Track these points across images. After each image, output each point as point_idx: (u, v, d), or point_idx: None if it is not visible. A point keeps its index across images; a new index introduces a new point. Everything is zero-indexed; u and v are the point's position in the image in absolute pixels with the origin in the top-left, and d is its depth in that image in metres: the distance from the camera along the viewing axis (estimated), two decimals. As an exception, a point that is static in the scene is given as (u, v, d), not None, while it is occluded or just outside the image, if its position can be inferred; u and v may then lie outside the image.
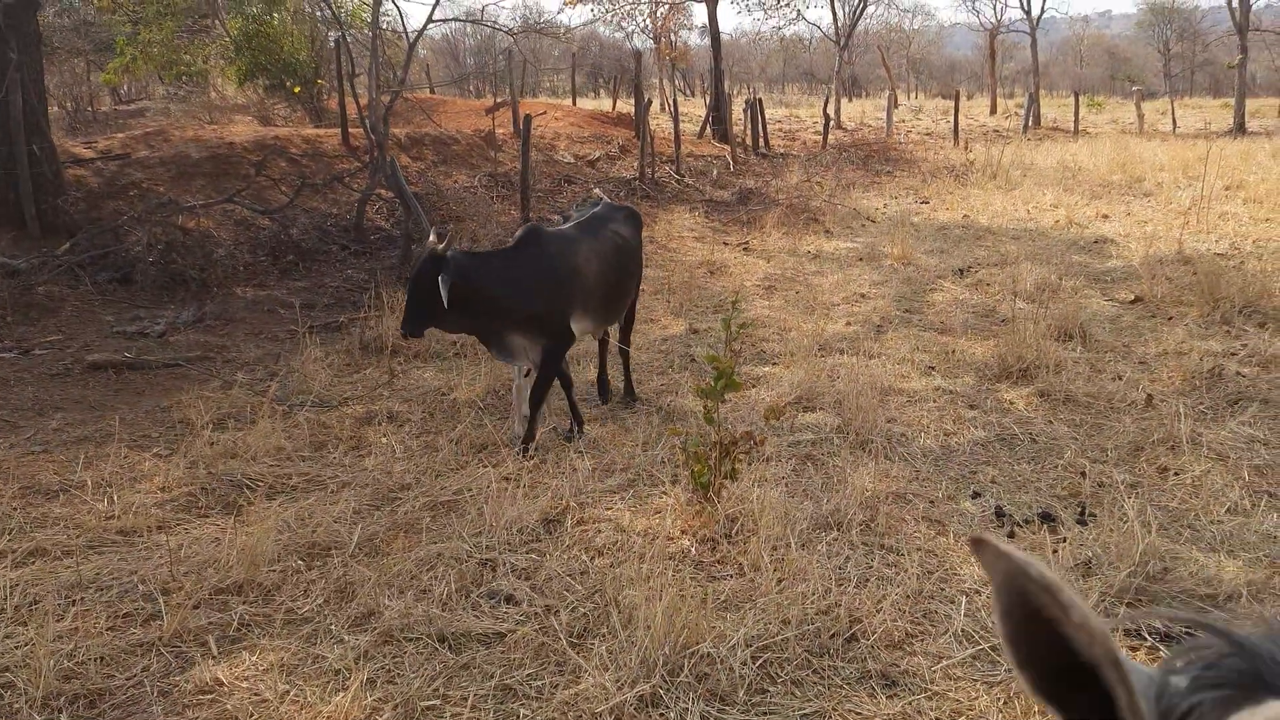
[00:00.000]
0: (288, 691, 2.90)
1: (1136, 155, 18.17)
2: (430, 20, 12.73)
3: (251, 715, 2.76)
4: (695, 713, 2.83)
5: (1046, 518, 4.29)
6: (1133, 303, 8.09)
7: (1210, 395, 5.76)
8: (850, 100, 38.81)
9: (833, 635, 3.26)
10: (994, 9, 39.97)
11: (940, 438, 5.33)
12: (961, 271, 9.66)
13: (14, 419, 5.65)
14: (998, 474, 4.85)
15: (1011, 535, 4.12)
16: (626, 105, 24.27)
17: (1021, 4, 34.94)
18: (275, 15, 16.46)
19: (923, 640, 3.30)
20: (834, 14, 31.06)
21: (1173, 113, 28.11)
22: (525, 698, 2.95)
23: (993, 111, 33.63)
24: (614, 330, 6.10)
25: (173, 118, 17.85)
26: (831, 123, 23.46)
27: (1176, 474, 4.68)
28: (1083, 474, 4.72)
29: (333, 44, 16.85)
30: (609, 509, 4.37)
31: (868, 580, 3.65)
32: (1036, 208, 13.48)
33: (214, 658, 3.09)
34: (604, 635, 3.22)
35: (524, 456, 4.95)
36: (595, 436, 5.38)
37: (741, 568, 3.75)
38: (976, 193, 14.87)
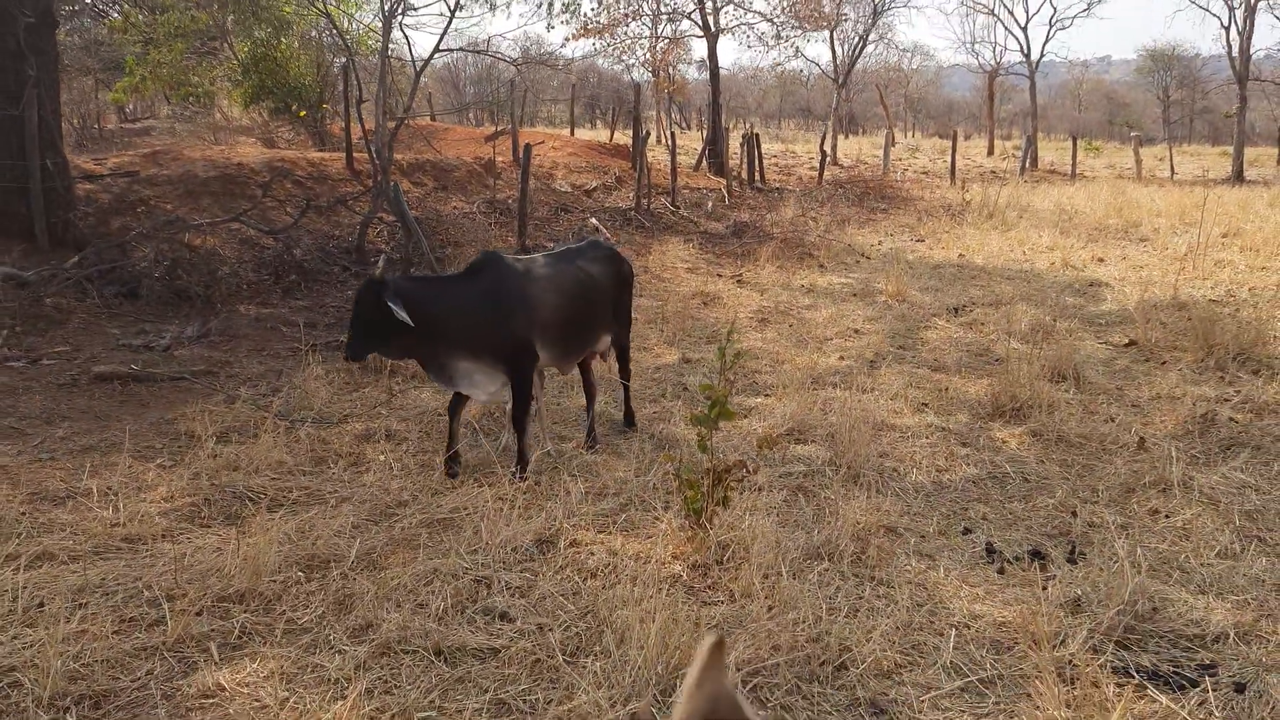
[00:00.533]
0: (287, 698, 2.97)
1: (1134, 200, 18.39)
2: (437, 49, 12.93)
3: (252, 720, 2.83)
4: (686, 731, 2.89)
5: (1037, 555, 4.36)
6: (1127, 346, 8.20)
7: (1203, 440, 5.84)
8: (847, 137, 39.28)
9: (823, 663, 3.32)
10: (993, 51, 40.57)
11: (932, 474, 5.41)
12: (956, 310, 9.77)
13: (22, 427, 5.73)
14: (989, 511, 4.92)
15: (1001, 571, 4.19)
16: (624, 137, 24.55)
17: (1021, 47, 35.48)
18: (283, 40, 16.68)
19: (911, 670, 3.36)
20: (833, 52, 31.52)
21: (1171, 159, 28.38)
22: (519, 712, 3.01)
23: (990, 152, 34.02)
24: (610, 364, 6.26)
25: (178, 137, 18.04)
26: (828, 159, 23.72)
27: (1167, 516, 4.75)
28: (1074, 513, 4.81)
29: (338, 70, 17.09)
30: (602, 532, 4.43)
31: (858, 611, 3.72)
32: (1032, 249, 13.63)
33: (216, 663, 3.16)
34: (597, 654, 3.28)
35: (519, 479, 5.02)
36: (588, 461, 5.45)
37: (732, 594, 3.81)
38: (972, 232, 15.04)
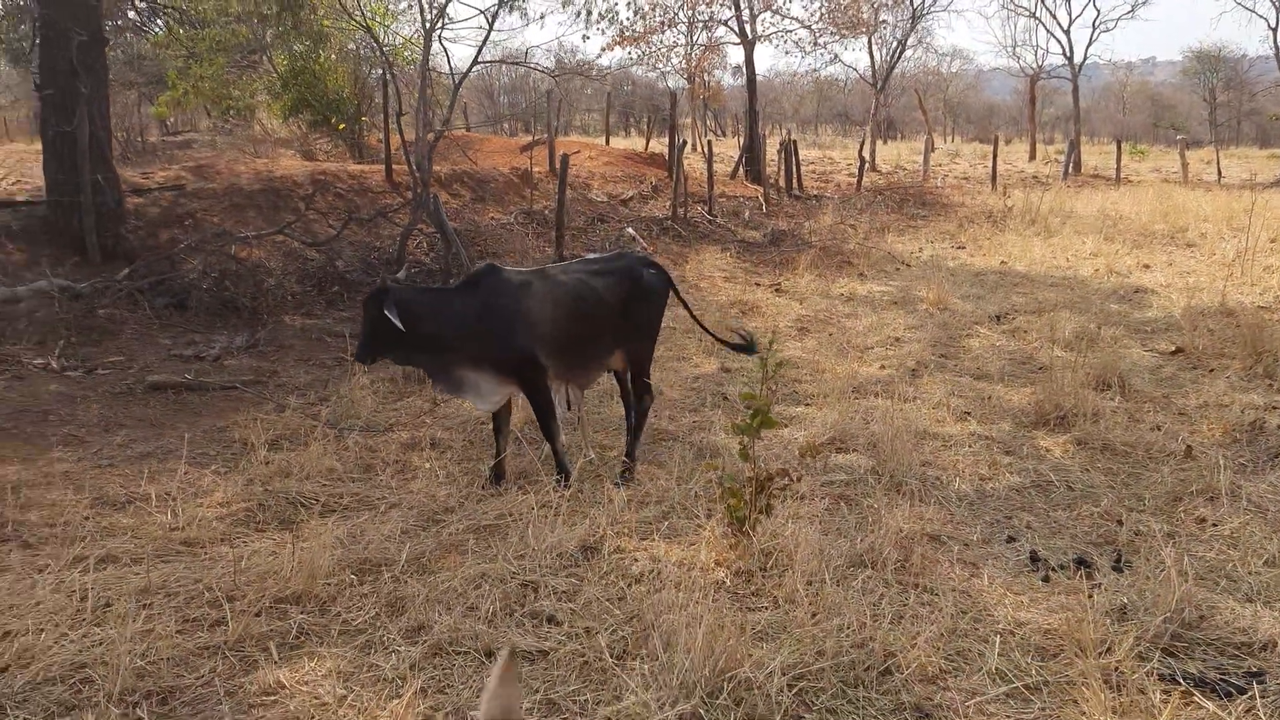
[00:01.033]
0: (345, 696, 3.06)
1: (1180, 205, 18.12)
2: (476, 61, 13.08)
3: (313, 717, 2.92)
4: (733, 733, 2.95)
5: (1082, 563, 4.34)
6: (1173, 354, 8.12)
7: (1251, 448, 5.78)
8: (885, 143, 39.03)
9: (867, 668, 3.35)
10: (1035, 54, 40.10)
11: (975, 482, 5.40)
12: (998, 318, 9.73)
13: (81, 434, 5.91)
14: (1033, 520, 4.91)
15: (1046, 579, 4.19)
16: (659, 145, 24.64)
17: (1063, 50, 35.10)
18: (321, 53, 16.95)
19: (956, 676, 3.38)
20: (871, 57, 31.37)
21: (1218, 162, 27.91)
22: (569, 711, 3.08)
23: (1032, 157, 33.67)
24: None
25: (219, 150, 18.39)
26: (866, 165, 23.64)
27: (1215, 525, 4.71)
28: (1119, 522, 4.79)
29: (376, 82, 17.32)
30: (645, 539, 4.49)
31: (902, 617, 3.74)
32: (1076, 256, 13.51)
33: (276, 662, 3.26)
34: (644, 657, 3.34)
35: (563, 487, 5.08)
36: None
37: (776, 600, 3.85)
38: (1014, 239, 14.93)
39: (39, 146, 17.44)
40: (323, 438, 5.69)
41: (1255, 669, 3.42)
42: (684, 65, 26.96)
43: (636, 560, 4.24)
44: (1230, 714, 3.11)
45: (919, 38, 35.00)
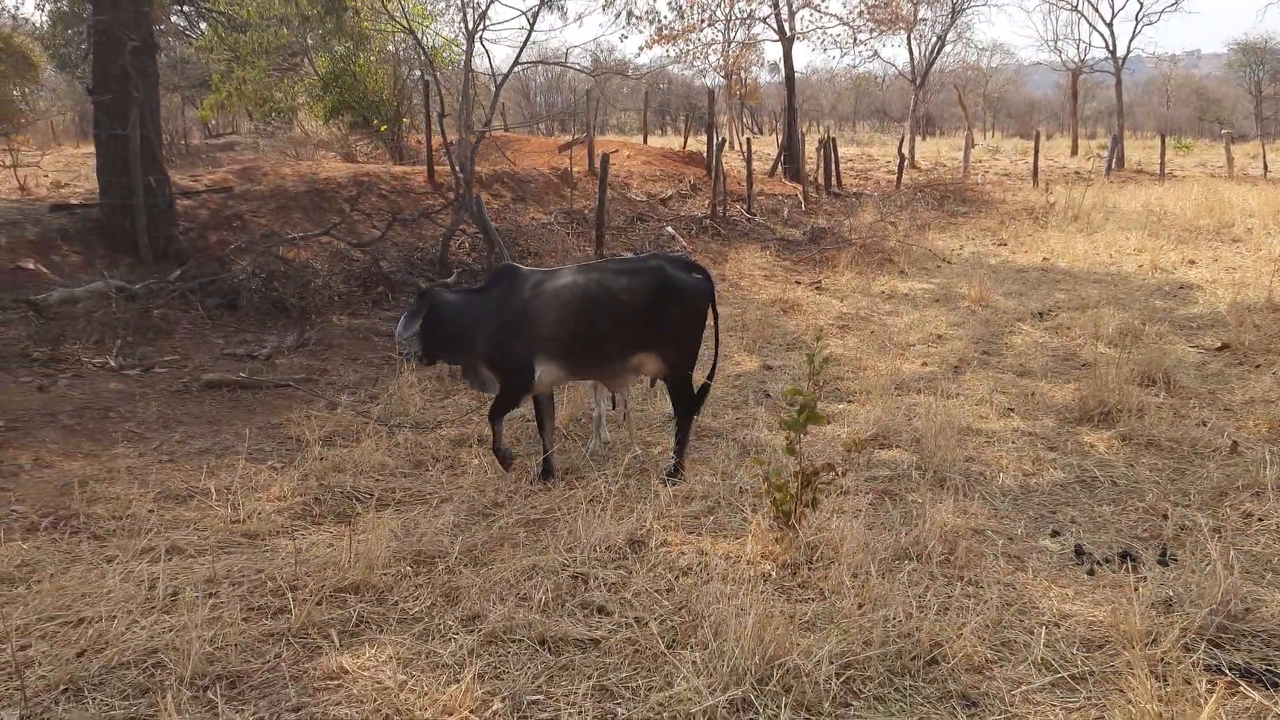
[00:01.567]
0: (406, 681, 3.17)
1: (1225, 200, 17.84)
2: (517, 62, 13.21)
3: (375, 700, 3.03)
4: (784, 719, 3.01)
5: (1127, 557, 4.36)
6: (1219, 349, 8.04)
7: (1298, 444, 5.74)
8: (924, 139, 38.75)
9: (914, 657, 3.40)
10: (1077, 48, 39.48)
11: (1019, 477, 5.42)
12: (1041, 314, 9.68)
13: (141, 431, 6.10)
14: (1077, 514, 4.93)
15: (1091, 572, 4.21)
16: (696, 143, 24.68)
17: (1106, 43, 34.58)
18: (361, 55, 17.18)
19: (1002, 666, 3.42)
20: (910, 53, 31.15)
21: (1264, 156, 27.42)
22: (622, 698, 3.16)
23: (1074, 152, 33.24)
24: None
25: (261, 152, 18.72)
26: (905, 162, 23.51)
27: (1261, 520, 4.70)
28: (1164, 516, 4.79)
29: (414, 84, 17.49)
30: (691, 533, 4.56)
31: (947, 608, 3.78)
32: (1120, 252, 13.38)
33: (338, 648, 3.38)
34: (693, 645, 3.42)
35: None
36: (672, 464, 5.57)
37: (822, 592, 3.91)
38: (1056, 235, 14.81)
39: (86, 150, 17.95)
40: (374, 434, 5.85)
41: (1303, 661, 3.43)
42: (721, 63, 26.98)
43: (683, 553, 4.32)
44: (1276, 704, 3.12)
45: (958, 33, 34.70)
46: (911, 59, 31.21)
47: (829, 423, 6.20)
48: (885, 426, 6.08)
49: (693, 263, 5.57)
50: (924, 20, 30.56)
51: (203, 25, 15.74)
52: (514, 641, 3.48)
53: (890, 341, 8.67)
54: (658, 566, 4.15)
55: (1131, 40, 59.93)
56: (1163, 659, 3.35)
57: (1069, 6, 35.43)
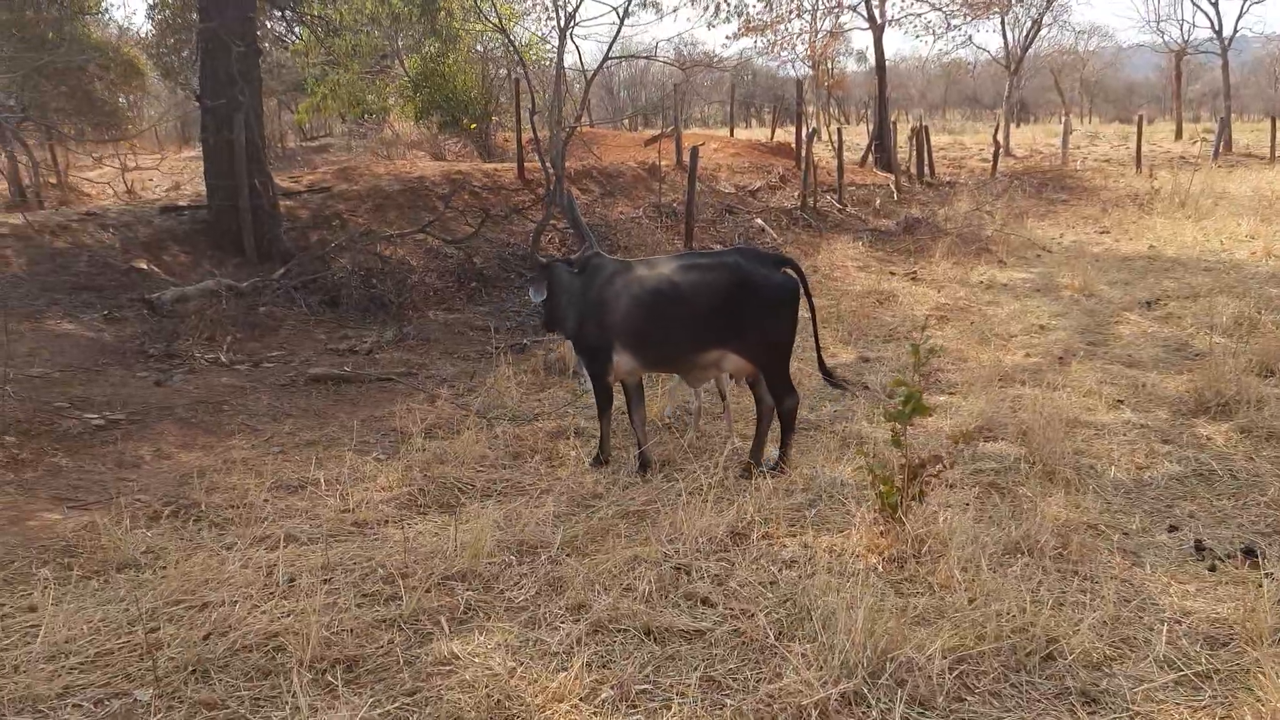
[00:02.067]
0: (515, 668, 3.20)
1: (1343, 183, 16.96)
2: (608, 57, 13.29)
3: (486, 686, 3.07)
4: (897, 713, 2.96)
5: (1250, 553, 4.17)
6: (1342, 338, 7.63)
7: None
8: (1019, 125, 37.66)
9: (1029, 653, 3.31)
10: (1180, 29, 37.95)
11: (1132, 471, 5.23)
12: (1149, 304, 9.33)
13: (253, 423, 6.32)
14: (1195, 509, 4.74)
15: (1213, 568, 4.04)
16: (784, 134, 24.40)
17: (1211, 23, 33.14)
18: (451, 55, 17.44)
19: (1122, 663, 3.30)
20: (1004, 38, 30.30)
21: (1381, 137, 25.93)
22: (730, 689, 3.15)
23: (1178, 136, 31.93)
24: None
25: (354, 153, 19.16)
26: (1001, 149, 22.89)
27: (1392, 515, 4.46)
28: (1289, 510, 4.57)
29: (502, 82, 17.67)
30: (793, 526, 4.52)
31: (1062, 604, 3.67)
32: (1230, 239, 12.81)
33: (448, 635, 3.44)
34: (801, 638, 3.38)
35: (593, 468, 5.40)
36: (774, 457, 5.52)
37: (931, 586, 3.82)
38: (1162, 222, 14.26)
39: (190, 154, 18.62)
40: (474, 427, 5.95)
41: None
42: (808, 53, 26.62)
43: (786, 546, 4.28)
44: None
45: (1054, 15, 33.59)
46: (1005, 44, 30.37)
47: (933, 414, 6.07)
48: (990, 418, 5.94)
49: (782, 257, 5.44)
50: (1019, 3, 29.69)
51: (298, 29, 16.14)
52: (620, 631, 3.49)
53: (991, 332, 8.45)
54: (761, 559, 4.12)
55: (1239, 19, 57.36)
56: (1296, 658, 3.19)
57: (1173, -15, 33.99)
